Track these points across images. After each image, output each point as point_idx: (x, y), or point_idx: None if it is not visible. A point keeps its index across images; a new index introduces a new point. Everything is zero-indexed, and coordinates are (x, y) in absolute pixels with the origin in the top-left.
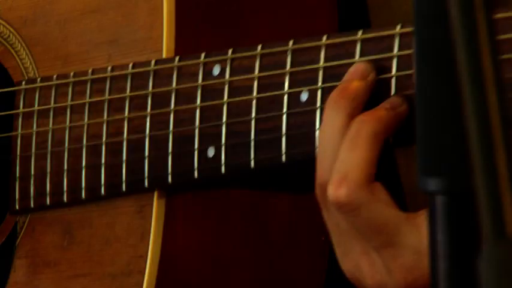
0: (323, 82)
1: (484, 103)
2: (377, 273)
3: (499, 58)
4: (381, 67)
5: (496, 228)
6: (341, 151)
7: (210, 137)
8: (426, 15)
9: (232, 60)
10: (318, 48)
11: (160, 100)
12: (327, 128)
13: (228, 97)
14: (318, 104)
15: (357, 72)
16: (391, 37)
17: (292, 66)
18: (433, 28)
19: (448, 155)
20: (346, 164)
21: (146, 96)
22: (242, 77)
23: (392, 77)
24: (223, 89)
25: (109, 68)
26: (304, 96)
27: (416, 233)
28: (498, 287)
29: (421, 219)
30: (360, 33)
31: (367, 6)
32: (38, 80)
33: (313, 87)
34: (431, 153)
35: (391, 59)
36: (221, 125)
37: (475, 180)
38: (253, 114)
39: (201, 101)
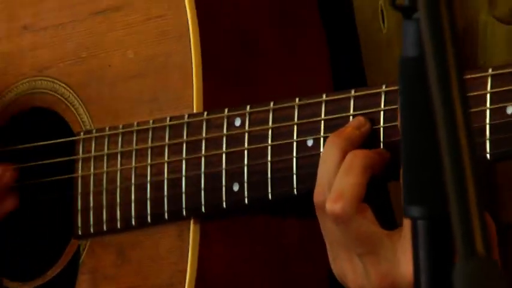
0: (324, 131)
1: (457, 146)
2: (358, 276)
3: (469, 110)
4: (371, 119)
5: (467, 247)
6: (338, 176)
7: (234, 175)
8: (409, 75)
9: (250, 113)
10: (320, 103)
11: (193, 146)
12: (325, 159)
13: (248, 144)
14: (321, 149)
15: (355, 122)
16: (378, 94)
17: (298, 118)
18: (414, 85)
19: (426, 187)
20: (342, 185)
21: (181, 143)
22: (258, 127)
23: (380, 127)
24: (243, 137)
25: (151, 121)
26: (309, 143)
27: (392, 246)
28: None
29: (397, 236)
30: (352, 91)
31: (362, 66)
32: (94, 131)
33: (317, 136)
34: (413, 186)
35: (378, 112)
36: (243, 166)
37: (449, 207)
38: (269, 158)
39: (226, 147)
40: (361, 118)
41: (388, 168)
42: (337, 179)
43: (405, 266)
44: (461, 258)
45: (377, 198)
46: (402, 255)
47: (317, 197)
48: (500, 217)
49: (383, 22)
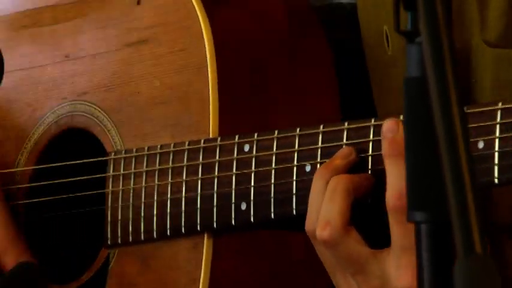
0: (321, 158)
1: (457, 157)
2: None
3: (467, 125)
4: (361, 148)
5: (466, 247)
6: (323, 203)
7: (242, 195)
8: (413, 93)
9: (257, 141)
10: (317, 133)
11: (208, 168)
12: (313, 190)
13: (255, 167)
14: None
15: (342, 153)
16: (368, 127)
17: (299, 146)
18: (417, 103)
19: (428, 194)
20: (328, 213)
21: (198, 165)
22: (264, 153)
23: (369, 155)
24: (251, 161)
25: (172, 145)
26: (308, 168)
27: (379, 264)
28: None
29: (385, 254)
30: (346, 123)
31: (370, 85)
32: (123, 151)
33: (314, 161)
34: (416, 193)
35: (368, 142)
36: (250, 187)
37: (450, 212)
38: (272, 180)
39: (236, 169)
40: (346, 149)
41: (375, 192)
42: (323, 206)
43: (396, 280)
44: (460, 257)
45: (366, 220)
46: (393, 270)
47: (308, 226)
48: (493, 219)
49: (388, 44)
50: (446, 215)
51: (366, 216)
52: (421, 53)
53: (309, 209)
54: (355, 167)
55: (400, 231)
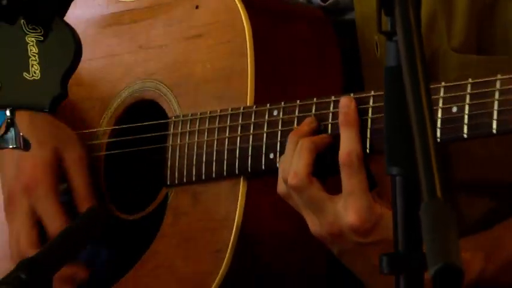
0: (332, 119)
1: (423, 124)
2: (316, 227)
3: (431, 101)
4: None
5: (430, 193)
6: (293, 159)
7: (271, 147)
8: (391, 78)
9: (283, 107)
10: (329, 102)
11: (245, 127)
12: (286, 149)
13: (281, 127)
14: (329, 131)
15: (307, 121)
16: (329, 102)
17: (316, 110)
18: (394, 85)
19: (402, 153)
20: (296, 166)
21: (237, 125)
22: (288, 116)
23: (328, 123)
24: (278, 122)
25: (218, 110)
26: (321, 127)
27: (333, 205)
28: (431, 229)
29: (337, 198)
30: (332, 97)
31: (362, 80)
32: (181, 116)
33: (326, 122)
34: (393, 153)
35: (328, 113)
36: (277, 141)
37: (417, 165)
38: None
39: (267, 128)
40: (310, 118)
41: (332, 152)
42: (293, 161)
43: (345, 217)
44: (425, 201)
45: (326, 173)
46: (342, 209)
47: (283, 176)
48: (451, 176)
49: (377, 50)
50: (415, 169)
51: (326, 170)
52: (397, 47)
53: (282, 164)
54: (319, 131)
55: (347, 180)
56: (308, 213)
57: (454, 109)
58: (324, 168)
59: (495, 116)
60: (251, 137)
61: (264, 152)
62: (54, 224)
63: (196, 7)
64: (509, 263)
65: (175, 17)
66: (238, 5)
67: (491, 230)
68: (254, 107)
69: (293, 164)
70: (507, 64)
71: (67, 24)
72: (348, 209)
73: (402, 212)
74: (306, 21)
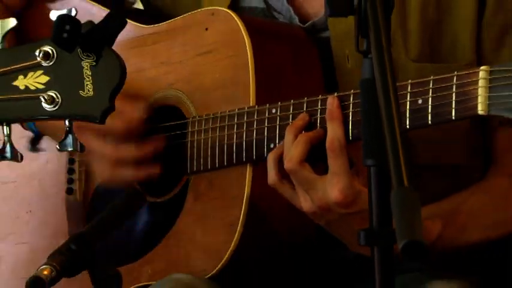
0: (320, 114)
1: (392, 121)
2: (307, 202)
3: (398, 103)
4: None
5: (398, 181)
6: (291, 148)
7: (271, 139)
8: (366, 87)
9: (281, 106)
10: (317, 100)
11: (250, 124)
12: (285, 139)
13: (279, 122)
14: (318, 125)
15: (302, 116)
16: (318, 100)
17: (306, 108)
18: (369, 92)
19: (376, 148)
20: (292, 153)
21: (243, 122)
22: (284, 113)
23: (317, 117)
24: (277, 118)
25: (227, 111)
26: (312, 120)
27: (322, 183)
28: (399, 211)
29: (324, 178)
30: (320, 96)
31: (337, 86)
32: (197, 117)
33: (315, 116)
34: (369, 147)
35: (317, 110)
36: (276, 134)
37: (388, 157)
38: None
39: (267, 123)
40: (303, 114)
41: (322, 141)
42: (291, 150)
43: (332, 194)
44: (394, 188)
45: (317, 160)
46: (328, 187)
47: (283, 161)
48: (414, 161)
49: (348, 62)
50: (386, 161)
51: (316, 157)
52: (371, 64)
53: (283, 150)
54: (310, 124)
55: (332, 162)
56: (301, 192)
57: (420, 101)
58: (314, 155)
59: (453, 106)
60: (255, 131)
61: (265, 143)
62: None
63: (206, 29)
64: (464, 226)
65: (189, 37)
66: (241, 27)
67: (448, 199)
68: (256, 106)
69: (290, 152)
70: (456, 69)
71: (114, 52)
72: (333, 186)
73: (376, 196)
74: (292, 38)
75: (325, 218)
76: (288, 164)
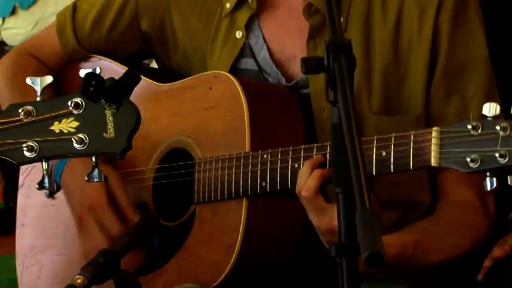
0: (303, 160)
1: (357, 158)
2: (317, 223)
3: (361, 144)
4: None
5: (362, 205)
6: (309, 180)
7: (263, 178)
8: (335, 130)
9: (271, 152)
10: (300, 149)
11: (246, 166)
12: (302, 172)
13: (269, 165)
14: (301, 167)
15: (316, 156)
16: (324, 147)
17: (292, 154)
18: (338, 134)
19: (343, 178)
20: (309, 184)
21: (240, 164)
22: (274, 158)
23: (301, 163)
24: (267, 162)
25: (227, 155)
26: (296, 165)
27: (330, 210)
28: (363, 229)
29: (331, 205)
30: (315, 144)
31: (315, 132)
32: (202, 159)
33: (298, 162)
34: (337, 178)
35: (325, 154)
36: (267, 174)
37: (353, 186)
38: (278, 170)
39: (260, 166)
40: (320, 155)
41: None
42: (308, 181)
43: (333, 219)
44: (359, 211)
45: (325, 190)
46: (334, 214)
47: (298, 190)
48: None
49: (324, 113)
50: (352, 190)
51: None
52: (339, 112)
53: (299, 180)
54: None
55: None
56: (313, 215)
57: (384, 153)
58: (324, 187)
59: (411, 158)
60: (249, 172)
61: (258, 181)
62: (115, 229)
63: (210, 88)
64: (427, 249)
65: (197, 94)
66: (238, 87)
67: (412, 227)
68: (250, 152)
69: (308, 183)
70: (408, 122)
71: (131, 102)
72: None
73: (344, 217)
74: (279, 96)
75: (328, 237)
76: (305, 193)
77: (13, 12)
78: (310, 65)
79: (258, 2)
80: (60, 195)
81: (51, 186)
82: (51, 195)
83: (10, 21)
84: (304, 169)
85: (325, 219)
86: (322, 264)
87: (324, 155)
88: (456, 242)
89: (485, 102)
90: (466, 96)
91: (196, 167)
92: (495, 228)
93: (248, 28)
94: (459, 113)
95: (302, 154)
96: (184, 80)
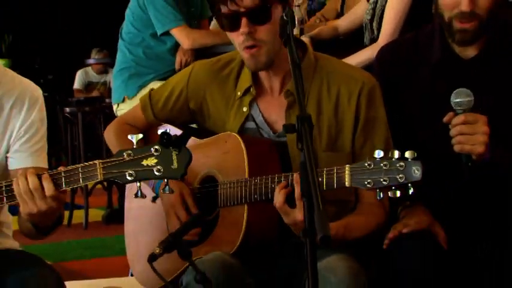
0: (276, 184)
1: (314, 181)
2: (288, 221)
3: (318, 178)
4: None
5: (318, 206)
6: (277, 197)
7: (255, 194)
8: (302, 166)
9: (259, 179)
10: (280, 176)
11: (246, 186)
12: (275, 192)
13: (259, 186)
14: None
15: (282, 183)
16: (280, 176)
17: (271, 180)
18: (303, 170)
19: (307, 190)
20: (277, 199)
21: (242, 186)
22: (262, 182)
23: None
24: (257, 184)
25: (235, 180)
26: (273, 186)
27: (292, 213)
28: (319, 221)
29: (295, 210)
30: (291, 174)
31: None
32: (222, 182)
33: (274, 184)
34: (303, 191)
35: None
36: (257, 193)
37: (312, 196)
38: (270, 189)
39: (253, 187)
40: (284, 182)
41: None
42: (277, 197)
43: (297, 217)
44: (316, 210)
45: (290, 201)
46: (297, 215)
47: (274, 203)
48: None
49: (302, 150)
50: (311, 198)
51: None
52: (304, 155)
53: (274, 196)
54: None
55: (298, 203)
56: (282, 215)
57: (329, 177)
58: (288, 199)
59: (335, 181)
60: (248, 190)
61: (253, 195)
62: (184, 218)
63: (226, 141)
64: (351, 229)
65: (218, 145)
66: (241, 142)
67: (346, 217)
68: (248, 179)
69: (277, 198)
70: (343, 156)
71: (187, 148)
72: (297, 214)
73: (307, 214)
74: (265, 145)
75: (293, 227)
76: (276, 204)
77: (123, 100)
78: (287, 128)
79: (256, 91)
80: (147, 201)
81: (142, 196)
82: (154, 200)
83: (122, 106)
84: (276, 190)
85: (290, 218)
86: (295, 240)
87: (288, 181)
88: (367, 225)
89: (384, 147)
90: (374, 143)
91: (219, 187)
92: (389, 218)
93: (250, 105)
94: (370, 153)
95: (276, 180)
96: (212, 137)
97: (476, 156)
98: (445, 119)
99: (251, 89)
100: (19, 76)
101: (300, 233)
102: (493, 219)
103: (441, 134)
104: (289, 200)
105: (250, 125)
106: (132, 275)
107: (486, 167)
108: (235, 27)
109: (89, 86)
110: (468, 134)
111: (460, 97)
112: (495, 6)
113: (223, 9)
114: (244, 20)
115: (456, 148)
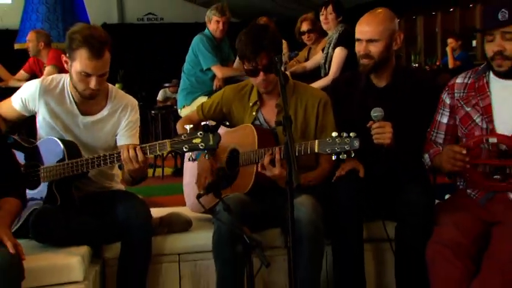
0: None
1: (292, 150)
2: (270, 174)
3: (294, 148)
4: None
5: (294, 167)
6: (264, 159)
7: (260, 158)
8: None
9: (264, 150)
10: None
11: (255, 154)
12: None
13: (264, 154)
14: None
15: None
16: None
17: (268, 150)
18: (287, 146)
19: (288, 157)
20: (263, 160)
21: (253, 153)
22: (264, 151)
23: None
24: (263, 153)
25: (250, 151)
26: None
27: (277, 170)
28: (294, 177)
29: (277, 167)
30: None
31: None
32: (243, 152)
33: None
34: (286, 156)
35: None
36: (262, 158)
37: (291, 160)
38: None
39: (259, 155)
40: (270, 152)
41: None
42: (265, 159)
43: (280, 173)
44: (293, 171)
45: (273, 163)
46: (278, 171)
47: (262, 162)
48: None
49: (285, 135)
50: (290, 162)
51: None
52: (287, 138)
53: (264, 159)
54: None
55: (277, 163)
56: (268, 172)
57: (304, 147)
58: (272, 162)
59: (309, 148)
60: (257, 155)
61: (258, 160)
62: (212, 175)
63: (244, 129)
64: (317, 177)
65: (239, 133)
66: (254, 130)
67: (314, 171)
68: (257, 150)
69: (264, 160)
70: (309, 140)
71: (218, 133)
72: (279, 170)
73: (288, 173)
74: (267, 132)
75: (273, 178)
76: (264, 163)
77: (183, 107)
78: (278, 123)
79: (260, 103)
80: (196, 163)
81: (192, 160)
82: (194, 160)
83: (183, 110)
84: (266, 155)
85: (271, 172)
86: (281, 187)
87: (273, 151)
88: (322, 173)
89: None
90: (327, 133)
91: (240, 154)
92: (334, 169)
93: (257, 111)
94: (324, 138)
95: (270, 151)
96: (235, 127)
97: (386, 145)
98: (368, 125)
99: (257, 102)
100: (126, 93)
101: (283, 183)
102: (389, 172)
103: (367, 132)
104: (273, 162)
105: (257, 122)
106: (186, 206)
107: (391, 151)
108: (255, 75)
109: (166, 99)
110: (381, 133)
111: (376, 112)
112: (386, 52)
113: (246, 65)
114: (261, 73)
115: (375, 141)
